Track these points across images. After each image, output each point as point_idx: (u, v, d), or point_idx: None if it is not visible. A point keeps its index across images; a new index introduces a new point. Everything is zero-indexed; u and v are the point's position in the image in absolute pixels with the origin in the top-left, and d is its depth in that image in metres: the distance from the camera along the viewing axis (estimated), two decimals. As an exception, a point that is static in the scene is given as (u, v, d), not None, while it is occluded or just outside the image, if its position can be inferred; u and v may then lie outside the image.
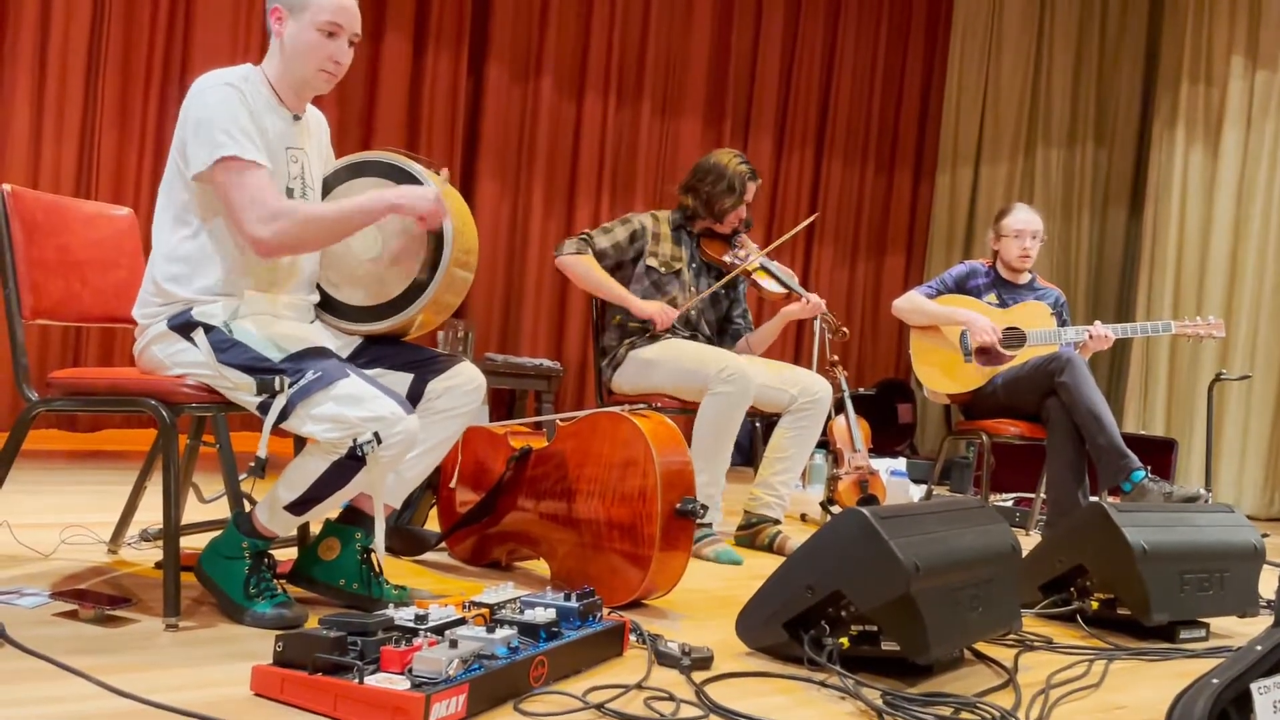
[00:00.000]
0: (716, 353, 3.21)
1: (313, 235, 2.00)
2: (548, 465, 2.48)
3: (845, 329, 3.48)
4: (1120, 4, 6.62)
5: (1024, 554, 2.31)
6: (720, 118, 5.99)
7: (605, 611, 1.94)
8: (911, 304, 3.99)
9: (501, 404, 5.31)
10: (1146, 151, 6.36)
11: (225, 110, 1.94)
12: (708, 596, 2.54)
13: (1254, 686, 1.37)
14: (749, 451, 4.72)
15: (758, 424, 3.68)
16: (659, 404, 3.19)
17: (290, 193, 2.08)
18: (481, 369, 2.19)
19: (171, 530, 1.91)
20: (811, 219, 3.50)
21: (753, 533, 3.27)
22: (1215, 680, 1.34)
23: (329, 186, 2.21)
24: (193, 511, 2.48)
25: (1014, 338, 3.86)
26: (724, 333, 3.55)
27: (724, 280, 3.40)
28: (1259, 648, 1.41)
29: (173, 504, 1.92)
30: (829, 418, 3.56)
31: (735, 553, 3.00)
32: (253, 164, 1.94)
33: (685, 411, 3.23)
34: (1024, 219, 3.96)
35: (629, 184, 5.67)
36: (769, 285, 3.41)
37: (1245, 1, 5.83)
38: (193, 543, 2.24)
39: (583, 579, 2.33)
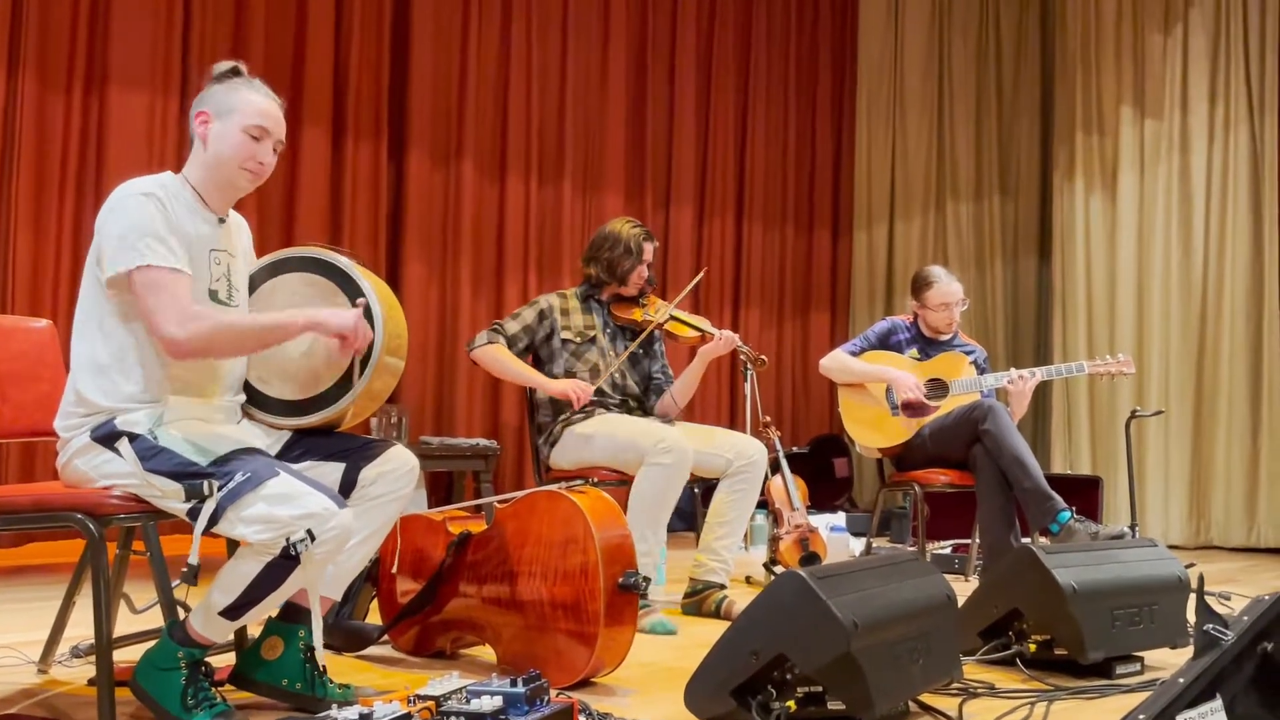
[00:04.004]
0: (653, 425, 3.27)
1: (226, 342, 2.01)
2: (488, 549, 2.47)
3: (764, 357, 3.64)
4: (1014, 62, 6.94)
5: (962, 601, 2.35)
6: (641, 191, 6.11)
7: (553, 694, 1.94)
8: (837, 362, 4.08)
9: (440, 486, 5.26)
10: (1050, 200, 6.63)
11: (144, 219, 1.95)
12: (656, 669, 2.54)
13: (1179, 719, 1.42)
14: (691, 517, 4.74)
15: (696, 490, 3.72)
16: (596, 479, 3.21)
17: (214, 294, 2.09)
18: (417, 452, 2.21)
19: (103, 646, 1.87)
20: (701, 274, 3.70)
21: (699, 600, 3.29)
22: (1141, 716, 1.38)
23: (254, 284, 2.22)
24: (125, 622, 2.42)
25: (937, 388, 3.97)
26: (648, 389, 3.61)
27: (640, 337, 3.50)
28: (1181, 680, 1.46)
29: (104, 619, 1.88)
30: (766, 478, 3.61)
31: (669, 622, 3.02)
32: (172, 270, 1.95)
33: (624, 484, 3.25)
34: (948, 291, 3.98)
35: (555, 260, 5.74)
36: (683, 335, 3.54)
37: (1129, 56, 6.17)
38: (127, 655, 2.18)
39: (530, 661, 2.31)
